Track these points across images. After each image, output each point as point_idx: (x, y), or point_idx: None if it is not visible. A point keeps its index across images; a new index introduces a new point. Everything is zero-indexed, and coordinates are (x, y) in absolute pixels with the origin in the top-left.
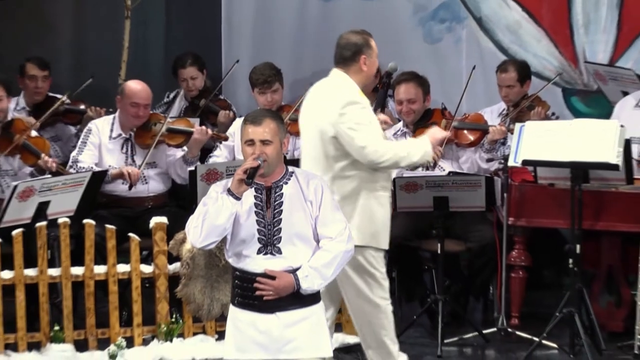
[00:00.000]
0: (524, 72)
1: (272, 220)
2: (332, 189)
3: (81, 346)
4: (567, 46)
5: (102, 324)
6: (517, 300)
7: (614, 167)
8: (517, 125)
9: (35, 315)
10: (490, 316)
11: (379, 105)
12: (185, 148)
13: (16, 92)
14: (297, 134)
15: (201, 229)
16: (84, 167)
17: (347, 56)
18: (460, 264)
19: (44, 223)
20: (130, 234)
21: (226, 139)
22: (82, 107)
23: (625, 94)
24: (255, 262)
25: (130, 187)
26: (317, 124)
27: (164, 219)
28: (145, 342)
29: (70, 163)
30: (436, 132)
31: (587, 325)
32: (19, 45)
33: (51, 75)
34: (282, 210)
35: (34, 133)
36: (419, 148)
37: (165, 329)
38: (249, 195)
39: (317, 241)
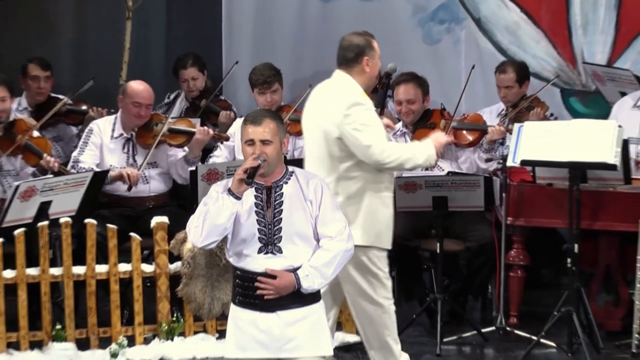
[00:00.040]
0: (523, 72)
1: (272, 219)
2: (337, 189)
3: (83, 345)
4: (565, 47)
5: (104, 323)
6: (516, 299)
7: (612, 167)
8: (516, 125)
9: (37, 314)
10: (489, 315)
11: (379, 105)
12: (186, 148)
13: (18, 92)
14: (297, 134)
15: (202, 229)
16: (84, 168)
17: (350, 57)
18: (459, 263)
19: (45, 223)
20: (132, 234)
21: (227, 139)
22: (84, 107)
23: (623, 94)
24: (255, 262)
25: (129, 189)
26: (321, 125)
27: (164, 219)
28: (147, 341)
29: (71, 163)
30: (440, 137)
31: (585, 324)
32: (20, 46)
33: (53, 76)
34: (282, 210)
35: (36, 133)
36: (423, 151)
37: (166, 327)
38: (249, 195)
39: (317, 240)
